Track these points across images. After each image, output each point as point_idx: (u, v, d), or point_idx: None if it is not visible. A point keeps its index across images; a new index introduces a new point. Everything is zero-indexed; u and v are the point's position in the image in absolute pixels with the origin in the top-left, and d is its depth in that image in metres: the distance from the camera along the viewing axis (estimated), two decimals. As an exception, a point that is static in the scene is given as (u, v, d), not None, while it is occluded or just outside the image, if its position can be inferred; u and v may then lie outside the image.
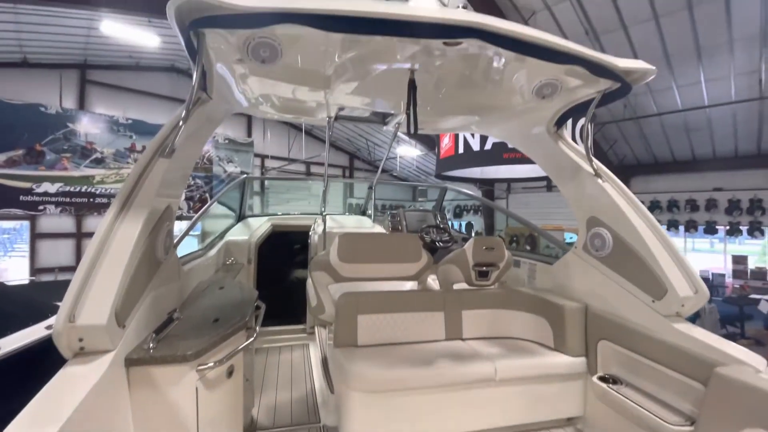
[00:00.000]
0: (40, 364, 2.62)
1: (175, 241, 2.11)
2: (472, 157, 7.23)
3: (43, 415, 1.02)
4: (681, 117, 9.13)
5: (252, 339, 1.78)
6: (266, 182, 13.90)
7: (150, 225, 1.58)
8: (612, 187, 2.24)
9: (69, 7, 7.35)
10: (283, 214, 4.74)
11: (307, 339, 3.74)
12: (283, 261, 4.60)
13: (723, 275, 11.19)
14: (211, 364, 1.50)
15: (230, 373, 1.69)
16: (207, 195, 12.14)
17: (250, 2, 1.26)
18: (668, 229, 11.88)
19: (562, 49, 1.53)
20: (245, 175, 4.41)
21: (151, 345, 1.43)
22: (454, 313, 2.58)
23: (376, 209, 5.13)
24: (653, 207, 12.49)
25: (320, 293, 2.64)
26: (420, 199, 19.02)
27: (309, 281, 2.91)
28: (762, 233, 10.30)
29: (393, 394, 2.04)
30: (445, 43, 1.62)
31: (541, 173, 8.56)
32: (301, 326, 3.85)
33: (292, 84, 2.13)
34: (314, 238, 3.82)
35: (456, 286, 2.78)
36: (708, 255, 14.91)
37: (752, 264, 10.99)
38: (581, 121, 6.12)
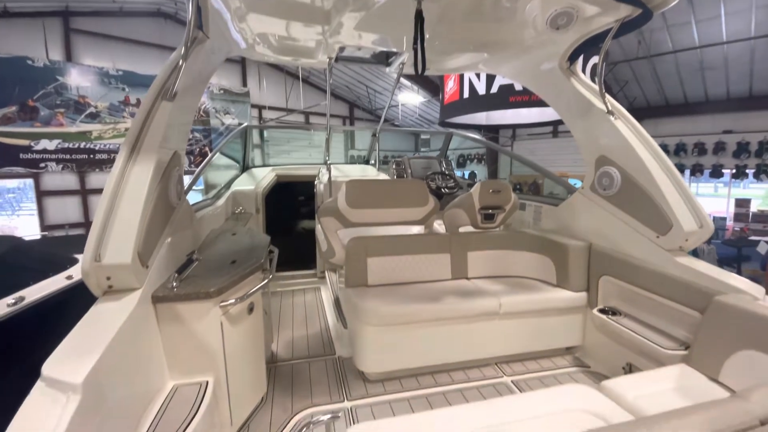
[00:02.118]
0: (66, 312, 2.75)
1: (184, 188, 2.12)
2: (478, 102, 7.01)
3: (83, 346, 1.10)
4: (696, 55, 8.68)
5: (269, 279, 1.85)
6: (265, 134, 13.64)
7: (160, 170, 1.58)
8: (624, 124, 2.20)
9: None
10: (286, 165, 4.72)
11: (318, 283, 3.88)
12: (289, 211, 4.66)
13: (724, 218, 11.25)
14: (232, 301, 1.58)
15: (251, 309, 1.78)
16: (207, 149, 12.00)
17: None
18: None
19: None
20: (246, 124, 4.32)
21: (174, 284, 1.50)
22: (460, 255, 2.66)
23: (378, 161, 5.07)
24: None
25: (330, 238, 2.70)
26: (423, 149, 18.73)
27: (318, 227, 2.96)
28: (768, 176, 10.20)
29: (403, 327, 2.16)
30: None
31: (548, 118, 8.36)
32: (311, 271, 3.99)
33: (289, 20, 2.02)
34: (320, 187, 3.83)
35: (462, 230, 2.83)
36: (711, 199, 14.89)
37: (755, 207, 11.00)
38: (593, 60, 5.84)
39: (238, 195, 3.62)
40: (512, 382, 2.24)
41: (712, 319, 1.63)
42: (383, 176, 4.38)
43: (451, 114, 8.07)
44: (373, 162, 5.13)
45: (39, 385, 0.95)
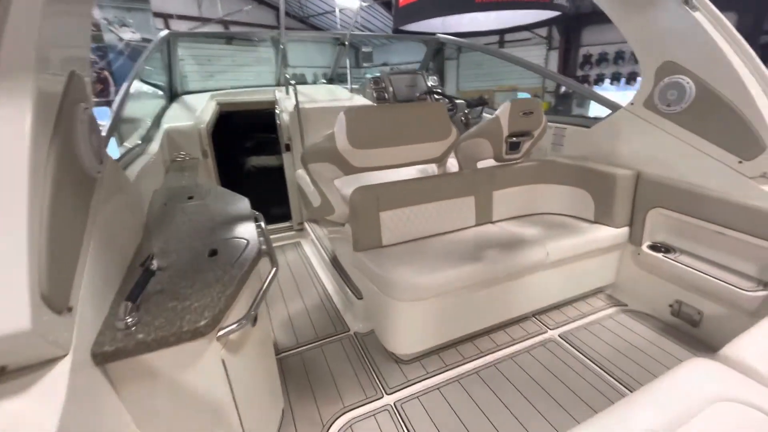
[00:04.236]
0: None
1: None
2: (441, 3, 6.05)
3: None
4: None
5: (275, 269, 1.23)
6: (179, 53, 11.08)
7: (50, 112, 0.81)
8: (707, 18, 1.71)
9: None
10: (225, 90, 3.68)
11: (297, 236, 3.26)
12: (241, 150, 3.77)
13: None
14: (234, 325, 0.99)
15: (255, 319, 1.20)
16: (106, 73, 9.65)
17: None
18: (612, 82, 12.06)
19: None
20: (169, 32, 3.15)
21: (128, 320, 0.85)
22: (485, 196, 2.20)
23: (350, 80, 4.01)
24: (601, 60, 12.37)
25: (325, 190, 2.06)
26: (365, 65, 17.06)
27: (303, 176, 2.28)
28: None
29: (442, 297, 1.73)
30: None
31: (505, 25, 7.63)
32: (287, 224, 3.31)
33: None
34: (284, 117, 3.00)
35: (480, 164, 2.34)
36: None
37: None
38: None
39: (174, 134, 2.69)
40: (560, 336, 1.98)
41: None
42: (362, 100, 3.55)
43: (406, 18, 6.98)
44: (342, 83, 4.21)
45: None
